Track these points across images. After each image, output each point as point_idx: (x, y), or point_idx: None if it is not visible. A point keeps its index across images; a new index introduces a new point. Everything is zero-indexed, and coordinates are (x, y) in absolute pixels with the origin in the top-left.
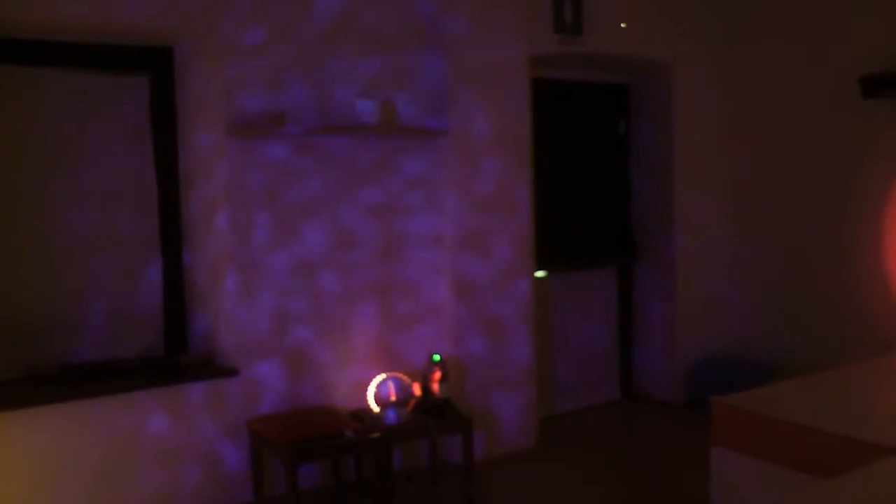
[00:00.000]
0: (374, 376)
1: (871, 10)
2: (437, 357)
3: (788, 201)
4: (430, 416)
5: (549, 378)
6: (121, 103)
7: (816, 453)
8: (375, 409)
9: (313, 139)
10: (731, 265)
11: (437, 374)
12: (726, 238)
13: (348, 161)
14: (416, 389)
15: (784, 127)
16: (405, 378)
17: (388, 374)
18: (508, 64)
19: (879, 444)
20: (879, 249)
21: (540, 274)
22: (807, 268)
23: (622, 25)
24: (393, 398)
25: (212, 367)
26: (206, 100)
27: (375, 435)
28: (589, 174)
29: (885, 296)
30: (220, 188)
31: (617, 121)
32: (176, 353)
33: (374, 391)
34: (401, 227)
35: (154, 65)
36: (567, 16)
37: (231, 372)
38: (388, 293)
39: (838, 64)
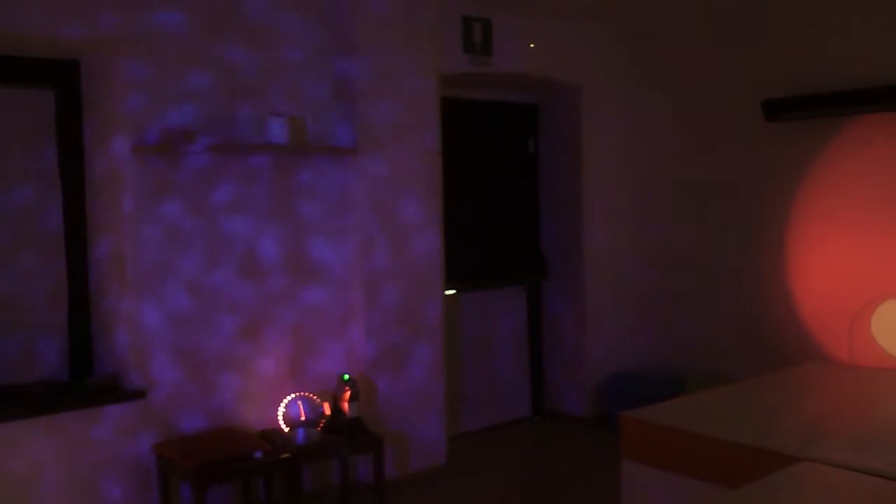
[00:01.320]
0: (283, 396)
1: (773, 36)
2: (346, 376)
3: (695, 220)
4: (340, 435)
5: (460, 396)
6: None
7: (723, 464)
8: (285, 429)
9: (222, 157)
10: (638, 281)
11: (348, 394)
12: (634, 255)
13: (261, 177)
14: (327, 409)
15: (691, 149)
16: (315, 398)
17: (298, 393)
18: (418, 82)
19: (784, 452)
20: (783, 265)
21: (450, 292)
22: (714, 284)
23: (531, 45)
24: (303, 418)
25: (119, 391)
26: (112, 115)
27: (285, 455)
28: (498, 192)
29: (789, 311)
30: (124, 209)
31: (526, 140)
32: (81, 376)
33: (283, 411)
34: (307, 238)
35: (59, 78)
36: (476, 36)
37: (138, 395)
38: (297, 307)
39: (743, 88)
